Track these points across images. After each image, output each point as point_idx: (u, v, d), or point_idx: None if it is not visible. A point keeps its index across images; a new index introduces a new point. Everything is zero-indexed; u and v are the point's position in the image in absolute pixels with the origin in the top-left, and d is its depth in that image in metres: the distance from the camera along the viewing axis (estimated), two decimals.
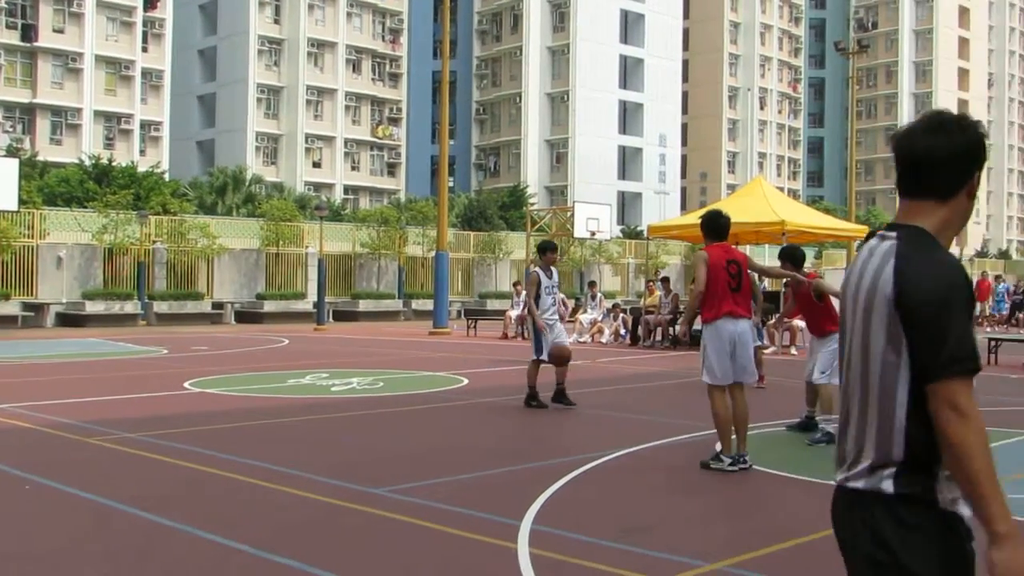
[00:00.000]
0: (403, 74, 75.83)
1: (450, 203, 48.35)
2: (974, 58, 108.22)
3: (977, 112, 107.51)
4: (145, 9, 62.13)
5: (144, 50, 62.54)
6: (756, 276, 12.52)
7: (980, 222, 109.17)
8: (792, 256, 9.99)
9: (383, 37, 74.53)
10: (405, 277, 42.04)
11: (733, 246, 8.79)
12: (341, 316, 37.45)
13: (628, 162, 79.29)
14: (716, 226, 8.46)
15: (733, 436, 8.03)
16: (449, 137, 36.58)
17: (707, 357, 8.15)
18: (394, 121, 75.21)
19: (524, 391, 13.58)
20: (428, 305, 34.78)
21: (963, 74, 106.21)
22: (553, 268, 12.06)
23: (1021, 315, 35.99)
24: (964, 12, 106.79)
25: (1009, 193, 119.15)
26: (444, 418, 11.29)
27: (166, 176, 50.43)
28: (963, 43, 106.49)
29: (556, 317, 12.00)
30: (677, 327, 21.53)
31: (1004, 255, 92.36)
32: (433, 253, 33.57)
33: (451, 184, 66.43)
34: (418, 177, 76.72)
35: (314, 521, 6.40)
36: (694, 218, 28.03)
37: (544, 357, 11.67)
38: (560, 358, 11.72)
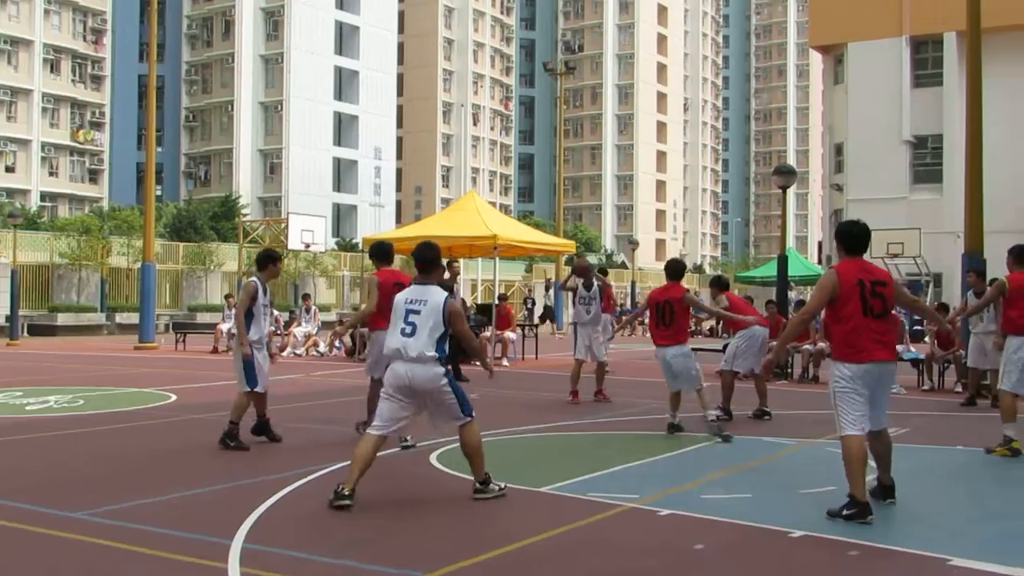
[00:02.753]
0: (106, 77, 72.36)
1: (158, 212, 46.56)
2: (671, 83, 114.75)
3: (674, 134, 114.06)
4: None
5: None
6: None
7: (677, 238, 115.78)
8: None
9: (84, 37, 70.86)
10: (108, 289, 40.13)
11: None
12: (37, 331, 35.32)
13: (343, 174, 79.07)
14: (381, 252, 10.50)
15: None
16: (156, 144, 35.24)
17: (370, 356, 9.97)
18: (97, 125, 71.66)
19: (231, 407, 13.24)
20: (134, 319, 33.34)
21: (662, 98, 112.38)
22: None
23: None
24: (662, 39, 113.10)
25: (703, 211, 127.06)
26: (150, 436, 10.83)
27: None
28: (661, 69, 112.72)
29: (264, 342, 10.07)
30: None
31: (699, 269, 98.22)
32: (139, 264, 32.26)
33: (159, 193, 64.04)
34: (123, 185, 73.47)
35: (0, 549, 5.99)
36: (409, 231, 28.27)
37: (260, 388, 9.85)
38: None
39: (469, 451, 7.49)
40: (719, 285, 13.06)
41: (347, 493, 7.08)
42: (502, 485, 7.55)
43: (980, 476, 9.12)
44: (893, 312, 7.59)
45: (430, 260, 7.66)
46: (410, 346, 7.27)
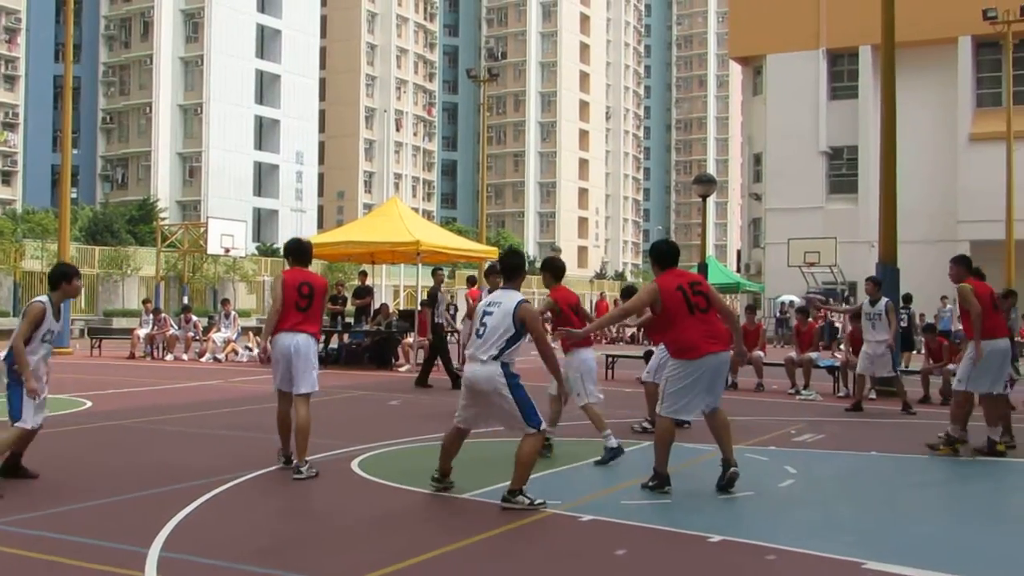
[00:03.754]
0: (21, 77, 70.88)
1: (73, 215, 45.71)
2: (594, 92, 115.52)
3: (596, 142, 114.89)
4: None
5: None
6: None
7: (599, 246, 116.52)
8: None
9: None
10: (22, 294, 39.25)
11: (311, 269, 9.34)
12: None
13: (264, 178, 78.30)
14: (295, 250, 9.16)
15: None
16: (72, 146, 34.56)
17: (273, 366, 8.85)
18: (10, 127, 70.15)
19: (152, 413, 13.04)
20: None
21: (584, 106, 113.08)
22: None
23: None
24: (585, 48, 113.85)
25: (624, 219, 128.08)
26: (65, 443, 10.62)
27: None
28: (584, 77, 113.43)
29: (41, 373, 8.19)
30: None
31: (620, 277, 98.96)
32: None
33: (74, 195, 62.82)
34: (37, 187, 71.92)
35: None
36: (331, 237, 28.11)
37: (31, 424, 7.96)
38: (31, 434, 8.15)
39: (518, 458, 7.36)
40: (629, 295, 13.14)
41: (438, 476, 7.85)
42: (540, 500, 7.32)
43: (894, 481, 9.32)
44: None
45: (514, 267, 7.81)
46: (478, 346, 7.41)
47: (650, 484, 7.96)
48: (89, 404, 14.10)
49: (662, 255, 8.21)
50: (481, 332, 7.43)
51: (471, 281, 23.87)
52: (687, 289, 7.92)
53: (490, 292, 13.35)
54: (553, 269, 10.13)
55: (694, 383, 7.85)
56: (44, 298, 8.22)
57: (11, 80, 70.53)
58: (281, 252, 9.32)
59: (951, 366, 15.96)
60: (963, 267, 10.73)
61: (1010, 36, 37.01)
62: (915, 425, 12.90)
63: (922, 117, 41.34)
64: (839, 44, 46.26)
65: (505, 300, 7.49)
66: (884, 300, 14.47)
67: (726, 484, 7.90)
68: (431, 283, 19.89)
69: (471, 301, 18.52)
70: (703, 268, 22.50)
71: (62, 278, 8.36)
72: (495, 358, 7.31)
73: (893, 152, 17.98)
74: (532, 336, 7.43)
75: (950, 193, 42.75)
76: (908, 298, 19.58)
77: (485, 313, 7.49)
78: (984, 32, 38.92)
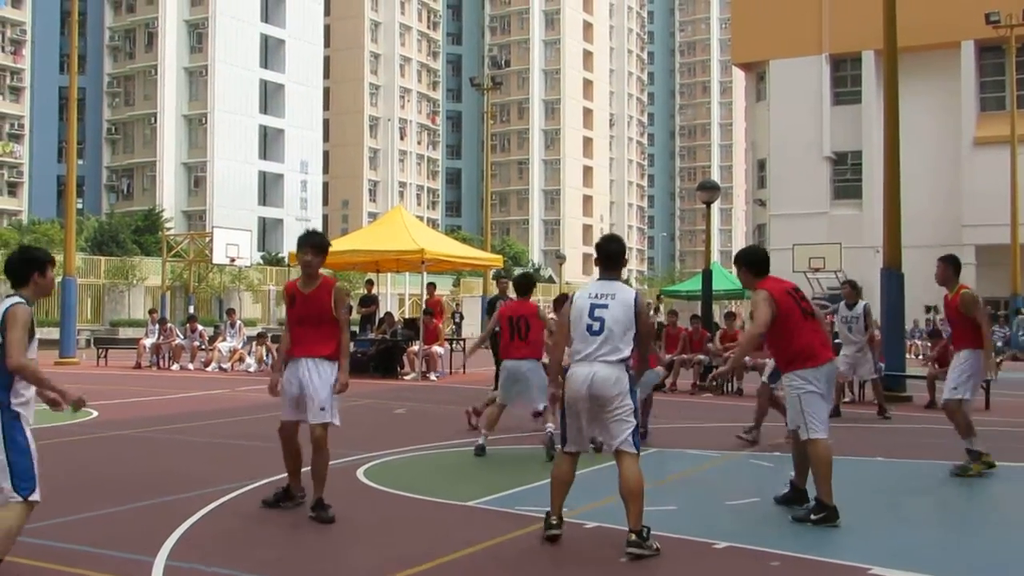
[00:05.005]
0: (26, 88, 71.09)
1: (79, 226, 45.83)
2: (597, 99, 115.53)
3: (600, 149, 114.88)
4: None
5: None
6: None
7: None
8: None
9: (3, 48, 69.55)
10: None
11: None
12: None
13: (269, 188, 78.39)
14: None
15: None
16: (78, 157, 34.65)
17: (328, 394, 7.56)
18: (16, 137, 70.30)
19: (159, 423, 13.05)
20: (54, 333, 32.66)
21: (587, 113, 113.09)
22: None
23: None
24: (588, 56, 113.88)
25: (629, 226, 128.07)
26: (72, 453, 10.64)
27: None
28: (587, 85, 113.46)
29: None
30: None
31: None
32: (60, 279, 31.73)
33: (80, 206, 62.94)
34: (43, 198, 72.09)
35: None
36: (336, 246, 28.12)
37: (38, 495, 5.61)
38: None
39: (629, 492, 6.36)
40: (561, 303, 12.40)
41: (555, 522, 6.56)
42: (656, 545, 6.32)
43: (899, 486, 9.30)
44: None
45: (617, 253, 6.73)
46: (600, 344, 6.35)
47: (812, 518, 7.12)
48: (95, 414, 14.12)
49: (759, 261, 7.57)
50: (597, 329, 6.36)
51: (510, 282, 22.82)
52: (794, 295, 7.43)
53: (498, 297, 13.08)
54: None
55: (823, 392, 7.31)
56: (18, 298, 5.56)
57: (16, 91, 70.73)
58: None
59: None
60: (952, 268, 9.64)
61: (1013, 40, 37.04)
62: (922, 431, 12.89)
63: (926, 122, 41.33)
64: (842, 49, 46.26)
65: (618, 291, 6.49)
66: (862, 304, 14.53)
67: (811, 520, 7.13)
68: (445, 292, 19.69)
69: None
70: (707, 274, 22.49)
71: (34, 267, 5.64)
72: (623, 360, 6.38)
73: (897, 157, 17.99)
74: (641, 332, 6.48)
75: (954, 198, 42.70)
76: None
77: (596, 307, 6.42)
78: (987, 36, 38.96)
